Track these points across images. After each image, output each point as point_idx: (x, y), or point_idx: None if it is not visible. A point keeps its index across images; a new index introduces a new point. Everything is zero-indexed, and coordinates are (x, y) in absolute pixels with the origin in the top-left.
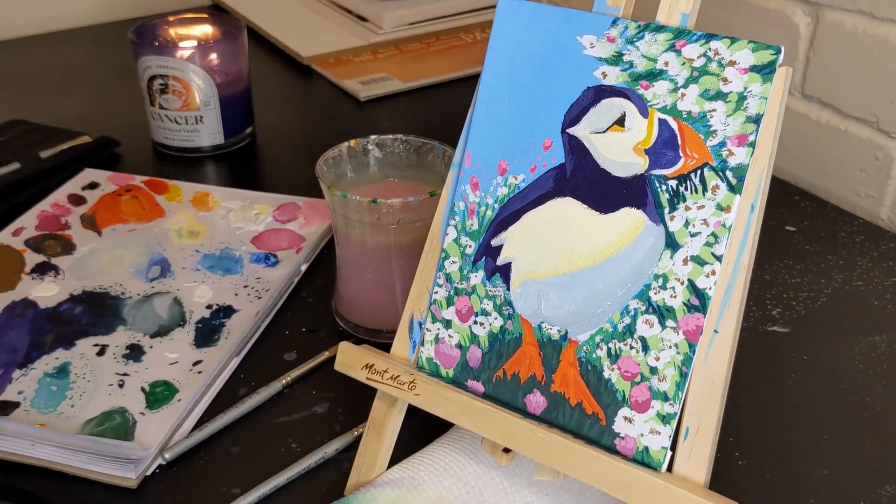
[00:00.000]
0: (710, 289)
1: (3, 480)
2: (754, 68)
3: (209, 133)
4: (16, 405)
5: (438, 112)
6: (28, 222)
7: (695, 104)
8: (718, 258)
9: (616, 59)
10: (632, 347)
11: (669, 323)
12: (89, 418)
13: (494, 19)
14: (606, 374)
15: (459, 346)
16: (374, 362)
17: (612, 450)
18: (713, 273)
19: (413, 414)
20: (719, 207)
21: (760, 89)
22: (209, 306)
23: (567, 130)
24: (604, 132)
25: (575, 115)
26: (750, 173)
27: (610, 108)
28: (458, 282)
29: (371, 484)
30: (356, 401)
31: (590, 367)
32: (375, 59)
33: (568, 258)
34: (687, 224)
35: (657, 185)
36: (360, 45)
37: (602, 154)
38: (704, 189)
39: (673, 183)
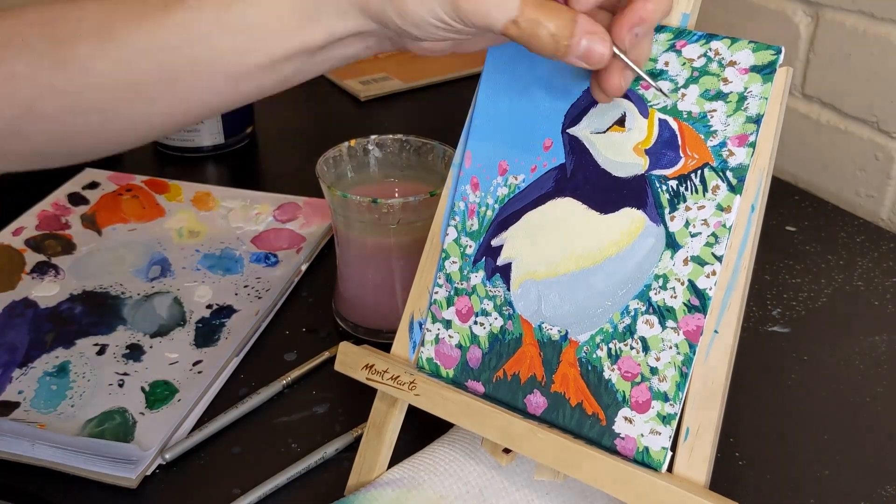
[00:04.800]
0: (710, 289)
1: (3, 480)
2: (755, 68)
3: (209, 133)
4: (16, 405)
5: (438, 112)
6: (28, 222)
7: (695, 104)
8: (719, 258)
9: None
10: (632, 348)
11: (670, 323)
12: (89, 418)
13: None
14: (607, 374)
15: (459, 346)
16: (375, 362)
17: (612, 450)
18: (713, 273)
19: (413, 414)
20: (720, 208)
21: (761, 89)
22: (209, 306)
23: (567, 130)
24: (604, 132)
25: (575, 115)
26: (750, 173)
27: (610, 108)
28: (458, 282)
29: (371, 484)
30: (356, 401)
31: (590, 368)
32: (375, 58)
33: (568, 258)
34: (687, 224)
35: (657, 185)
36: None
37: (602, 154)
38: (705, 189)
39: (673, 183)
